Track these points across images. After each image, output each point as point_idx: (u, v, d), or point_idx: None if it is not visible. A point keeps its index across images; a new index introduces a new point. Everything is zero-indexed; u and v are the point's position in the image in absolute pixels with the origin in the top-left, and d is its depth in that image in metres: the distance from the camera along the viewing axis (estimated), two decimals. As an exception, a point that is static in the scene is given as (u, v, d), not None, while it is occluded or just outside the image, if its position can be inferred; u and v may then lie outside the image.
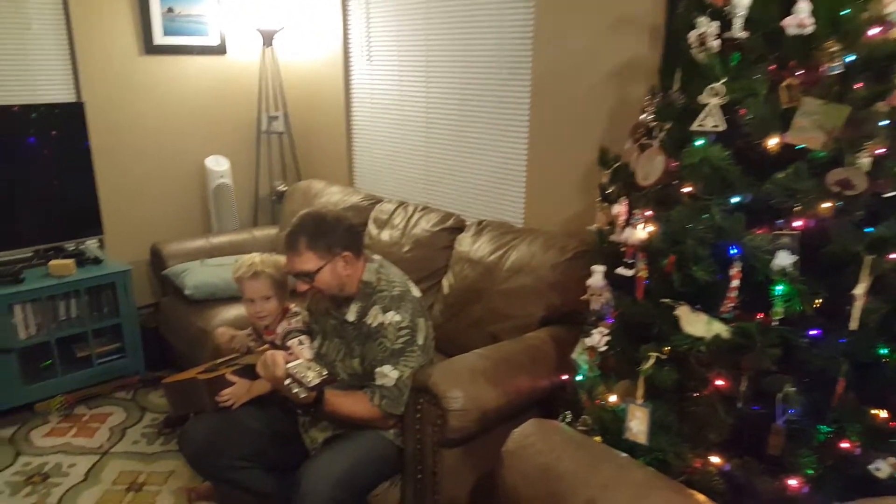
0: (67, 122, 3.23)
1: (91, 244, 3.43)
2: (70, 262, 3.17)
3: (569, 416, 1.85)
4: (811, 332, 1.50)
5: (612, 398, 1.76)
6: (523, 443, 1.68)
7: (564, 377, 2.00)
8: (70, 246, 3.39)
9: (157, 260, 3.43)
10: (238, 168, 3.90)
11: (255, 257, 2.22)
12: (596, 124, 2.43)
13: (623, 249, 1.78)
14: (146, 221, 3.70)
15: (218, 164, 3.77)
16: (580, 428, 1.78)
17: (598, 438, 1.73)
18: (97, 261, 3.32)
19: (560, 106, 2.56)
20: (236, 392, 2.06)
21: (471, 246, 2.66)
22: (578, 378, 1.89)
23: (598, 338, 1.82)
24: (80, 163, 3.30)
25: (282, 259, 2.25)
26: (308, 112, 3.95)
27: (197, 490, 2.49)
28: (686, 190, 1.67)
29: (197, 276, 3.15)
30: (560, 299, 2.32)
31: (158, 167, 3.71)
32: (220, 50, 3.77)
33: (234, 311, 2.92)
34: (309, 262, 1.91)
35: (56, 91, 3.34)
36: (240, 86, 3.88)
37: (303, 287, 1.95)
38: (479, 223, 2.74)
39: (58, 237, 3.33)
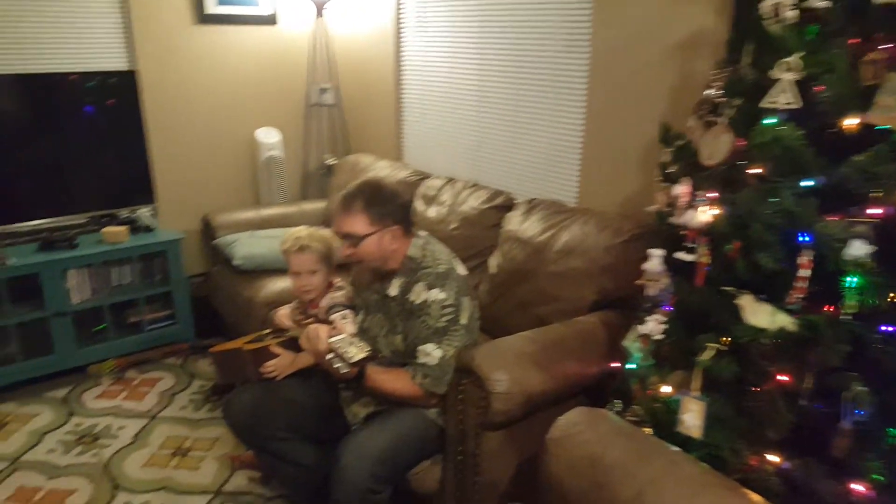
0: (123, 91, 3.28)
1: (144, 212, 3.49)
2: (123, 229, 3.24)
3: (618, 405, 1.80)
4: (885, 329, 1.40)
5: (666, 389, 1.69)
6: (569, 431, 1.64)
7: (615, 365, 1.94)
8: (123, 213, 3.47)
9: (208, 230, 3.49)
10: (288, 140, 3.91)
11: (302, 231, 2.22)
12: (657, 99, 2.33)
13: (683, 233, 1.70)
14: (198, 191, 3.75)
15: (268, 137, 3.79)
16: (630, 418, 1.72)
17: (648, 430, 1.67)
18: (149, 229, 3.38)
19: (619, 80, 2.47)
20: (280, 364, 2.07)
21: (520, 225, 2.60)
22: (630, 366, 1.83)
23: (654, 325, 1.76)
24: (134, 132, 3.35)
25: (328, 234, 2.24)
26: (358, 85, 3.92)
27: (241, 458, 2.53)
28: (754, 171, 1.58)
29: (246, 247, 3.18)
30: (613, 283, 2.24)
31: (210, 138, 3.75)
32: (271, 20, 3.76)
33: (281, 284, 2.94)
34: (359, 224, 1.90)
35: (110, 60, 3.39)
36: (291, 57, 3.87)
37: (346, 251, 1.94)
38: (530, 201, 2.67)
39: (112, 205, 3.41)
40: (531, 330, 2.16)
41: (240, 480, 2.47)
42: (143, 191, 3.44)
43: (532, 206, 2.64)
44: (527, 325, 2.28)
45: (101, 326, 3.28)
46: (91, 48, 3.33)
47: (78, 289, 3.16)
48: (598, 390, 2.00)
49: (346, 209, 1.93)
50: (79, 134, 3.23)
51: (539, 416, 1.93)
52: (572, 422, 1.67)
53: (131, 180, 3.41)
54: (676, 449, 1.54)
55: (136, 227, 3.37)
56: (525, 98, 2.91)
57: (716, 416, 1.57)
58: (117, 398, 3.03)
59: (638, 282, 1.85)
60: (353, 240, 1.92)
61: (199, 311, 3.48)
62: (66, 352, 3.11)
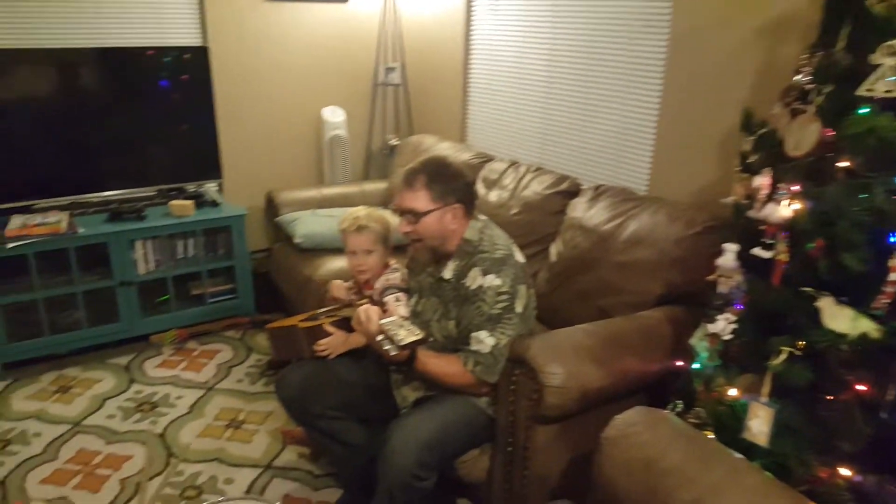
0: (195, 66, 3.35)
1: (210, 187, 3.58)
2: (189, 203, 3.32)
3: (679, 406, 1.73)
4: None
5: (732, 392, 1.61)
6: (626, 431, 1.58)
7: (679, 363, 1.86)
8: (191, 188, 3.56)
9: (272, 207, 3.54)
10: (353, 120, 3.93)
11: (361, 211, 2.22)
12: (739, 84, 2.21)
13: (762, 228, 1.61)
14: (262, 168, 3.81)
15: (334, 115, 3.81)
16: (691, 420, 1.65)
17: (709, 433, 1.59)
18: (215, 204, 3.46)
19: (700, 62, 2.35)
20: (333, 343, 2.08)
21: (585, 212, 2.52)
22: (695, 366, 1.75)
23: (723, 324, 1.67)
24: (205, 107, 3.42)
25: (387, 215, 2.23)
26: (425, 65, 3.89)
27: (292, 433, 2.57)
28: (843, 164, 1.47)
29: (307, 225, 3.21)
30: (682, 278, 2.16)
31: (276, 115, 3.79)
32: (342, -2, 3.77)
33: (340, 263, 2.95)
34: (421, 200, 1.88)
35: (185, 36, 3.46)
36: (359, 36, 3.87)
37: (405, 227, 1.92)
38: (597, 188, 2.59)
39: (180, 179, 3.50)
40: (591, 322, 2.10)
41: (290, 456, 2.51)
42: (210, 166, 3.52)
43: (599, 192, 2.56)
44: (586, 318, 2.23)
45: (165, 297, 3.38)
46: (167, 23, 3.40)
47: (144, 260, 3.26)
48: (659, 389, 1.93)
49: (408, 184, 1.91)
50: (153, 108, 3.32)
51: (594, 413, 1.88)
52: (630, 421, 1.62)
53: (199, 155, 3.49)
54: (740, 456, 1.47)
55: (202, 201, 3.45)
56: (597, 80, 2.82)
57: (785, 424, 1.49)
58: (177, 368, 3.12)
59: (709, 277, 1.77)
60: (414, 216, 1.89)
61: (259, 286, 3.55)
62: (130, 320, 3.22)
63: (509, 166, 2.99)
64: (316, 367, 2.08)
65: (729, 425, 1.57)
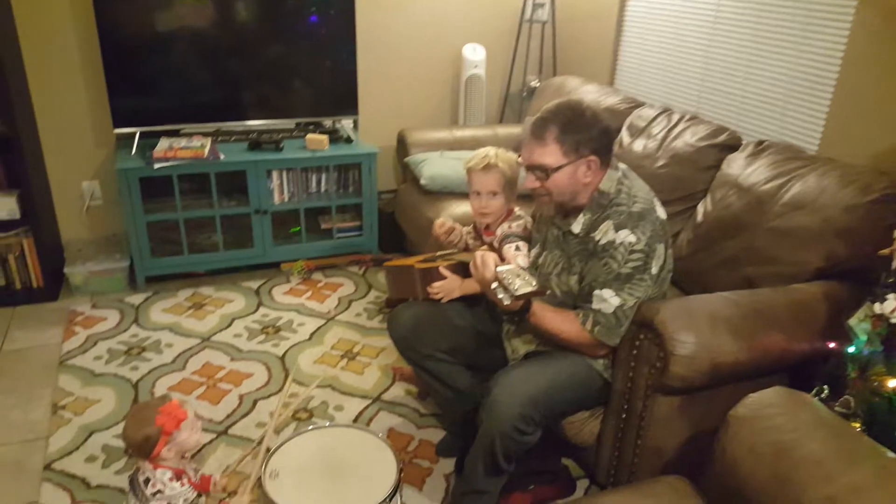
0: (341, 2, 3.38)
1: (346, 123, 3.67)
2: (324, 137, 3.41)
3: (826, 392, 1.56)
4: None
5: (893, 383, 1.42)
6: (760, 412, 1.45)
7: (831, 345, 1.68)
8: (327, 123, 3.66)
9: (402, 146, 3.56)
10: (493, 59, 3.84)
11: (490, 150, 2.15)
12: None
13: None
14: (397, 107, 3.84)
15: (474, 53, 3.74)
16: (837, 410, 1.49)
17: (856, 426, 1.42)
18: (349, 140, 3.54)
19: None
20: (447, 286, 2.07)
21: (743, 169, 2.31)
22: (850, 350, 1.57)
23: (894, 304, 1.47)
24: (347, 43, 3.47)
25: (517, 158, 2.15)
26: (576, 0, 3.71)
27: (402, 371, 2.63)
28: None
29: (434, 167, 3.21)
30: (847, 250, 1.94)
31: (415, 53, 3.79)
32: (492, -73, 3.66)
33: (463, 208, 2.93)
34: (551, 156, 1.76)
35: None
36: (510, -32, 3.75)
37: (533, 183, 1.82)
38: (759, 143, 2.37)
39: (318, 113, 3.61)
40: (734, 291, 1.95)
41: (398, 392, 2.57)
42: (347, 102, 3.58)
43: (761, 148, 2.34)
44: (729, 286, 2.08)
45: (296, 229, 3.54)
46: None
47: (279, 190, 3.42)
48: (802, 372, 1.76)
49: (537, 136, 1.78)
50: (300, 43, 3.42)
51: (724, 389, 1.74)
52: (766, 402, 1.47)
53: (338, 91, 3.56)
54: (893, 456, 1.29)
55: (336, 137, 3.54)
56: (770, 21, 2.56)
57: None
58: (302, 297, 3.27)
59: (882, 252, 1.58)
60: (543, 172, 1.78)
61: (384, 226, 3.62)
62: (263, 247, 3.40)
63: (661, 113, 2.80)
64: (428, 308, 2.08)
65: (883, 420, 1.40)
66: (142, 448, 1.66)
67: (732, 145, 2.47)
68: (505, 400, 1.71)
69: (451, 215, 2.92)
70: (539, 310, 1.77)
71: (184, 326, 2.97)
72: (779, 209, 2.12)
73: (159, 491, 1.66)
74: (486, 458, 1.80)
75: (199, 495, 1.74)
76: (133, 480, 1.71)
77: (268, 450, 2.19)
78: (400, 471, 1.94)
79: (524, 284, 1.63)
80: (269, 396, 2.51)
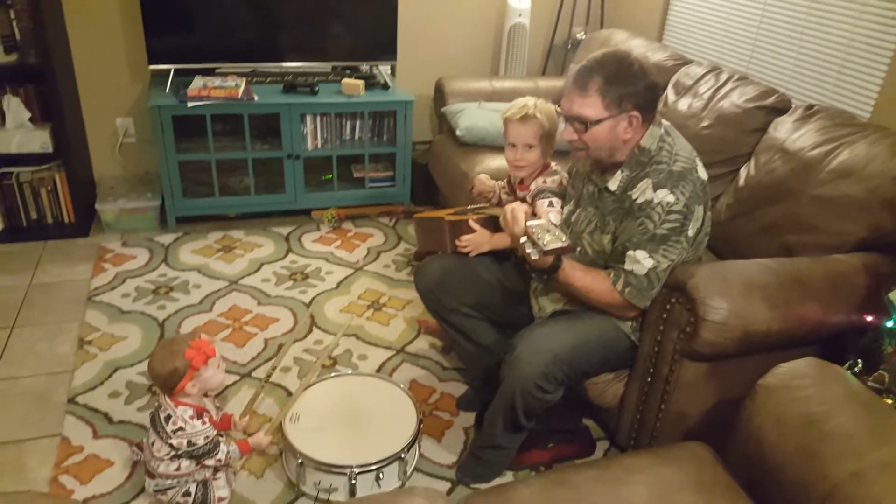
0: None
1: (383, 69, 3.62)
2: (361, 83, 3.38)
3: (859, 366, 1.53)
4: None
5: (931, 361, 1.39)
6: (790, 383, 1.43)
7: (869, 318, 1.64)
8: (364, 68, 3.63)
9: (439, 96, 3.52)
10: (538, 8, 3.75)
11: (530, 100, 2.10)
12: None
13: None
14: (437, 54, 3.78)
15: (519, 1, 3.65)
16: (871, 384, 1.47)
17: (889, 402, 1.40)
18: (385, 87, 3.51)
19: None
20: (476, 240, 2.07)
21: (790, 133, 2.25)
22: (888, 324, 1.54)
23: (936, 279, 1.43)
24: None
25: (556, 108, 2.11)
26: (629, -51, 3.60)
27: (427, 324, 2.66)
28: None
29: (471, 118, 3.17)
30: (893, 222, 1.89)
31: (459, -1, 3.72)
32: None
33: (498, 161, 2.90)
34: (592, 108, 1.71)
35: None
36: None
37: (570, 135, 1.78)
38: (808, 107, 2.30)
39: (356, 57, 3.57)
40: (772, 258, 1.91)
41: (422, 344, 2.60)
42: (386, 47, 3.53)
43: (810, 112, 2.27)
44: (766, 253, 2.06)
45: (328, 176, 3.54)
46: None
47: (312, 135, 3.41)
48: (836, 344, 1.72)
49: (580, 86, 1.73)
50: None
51: (753, 358, 1.73)
52: (797, 372, 1.45)
53: (377, 35, 3.50)
54: (927, 436, 1.27)
55: (373, 83, 3.51)
56: (831, -22, 2.44)
57: None
58: (331, 245, 3.29)
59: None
60: (582, 124, 1.74)
61: (418, 177, 3.60)
62: (294, 193, 3.41)
63: (709, 72, 2.71)
64: (456, 262, 2.07)
65: (919, 398, 1.37)
66: (167, 381, 1.70)
67: (781, 108, 2.40)
68: (528, 357, 1.71)
69: (486, 169, 2.90)
70: (569, 268, 1.75)
71: (212, 268, 3.01)
72: (825, 176, 2.06)
73: (181, 428, 1.70)
74: (506, 415, 1.82)
75: (220, 434, 1.79)
76: (154, 417, 1.76)
77: (288, 393, 2.25)
78: (420, 422, 1.98)
79: (554, 240, 1.61)
80: (294, 342, 2.55)
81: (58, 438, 2.05)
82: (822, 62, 2.51)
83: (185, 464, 1.75)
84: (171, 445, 1.71)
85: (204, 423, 1.74)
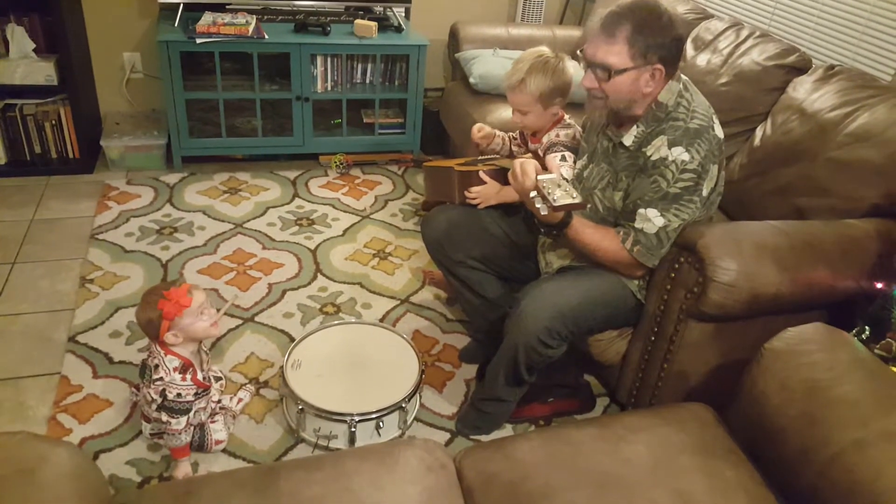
0: None
1: (397, 11, 3.52)
2: (373, 24, 3.30)
3: (867, 333, 1.51)
4: None
5: (942, 331, 1.37)
6: (796, 347, 1.41)
7: (879, 285, 1.62)
8: (378, 9, 3.53)
9: (454, 41, 3.43)
10: (559, -48, 3.63)
11: (526, 62, 1.98)
12: None
13: None
14: (453, -2, 3.68)
15: (538, -54, 3.54)
16: (878, 352, 1.45)
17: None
18: (399, 29, 3.42)
19: None
20: (485, 192, 2.03)
21: (809, 94, 2.18)
22: (899, 292, 1.51)
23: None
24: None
25: (570, 66, 2.03)
26: None
27: (433, 275, 2.64)
28: None
29: (485, 65, 3.09)
30: (910, 188, 1.85)
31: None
32: None
33: (510, 112, 2.81)
34: (617, 55, 1.65)
35: None
36: None
37: (591, 83, 1.71)
38: (829, 67, 2.23)
39: (369, -3, 3.46)
40: (783, 221, 1.87)
41: (427, 295, 2.58)
42: (401, -13, 3.43)
43: (831, 73, 2.20)
44: (778, 215, 2.02)
45: (338, 121, 3.48)
46: None
47: (322, 77, 3.34)
48: (843, 310, 1.70)
49: (608, 32, 1.66)
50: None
51: (759, 321, 1.71)
52: (804, 337, 1.44)
53: (393, -28, 3.40)
54: (933, 406, 1.26)
55: (386, 25, 3.42)
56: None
57: None
58: (338, 192, 3.26)
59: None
60: (605, 72, 1.67)
61: (429, 125, 3.54)
62: (302, 137, 3.36)
63: (730, 27, 2.63)
64: (464, 213, 2.05)
65: (926, 368, 1.35)
66: (147, 330, 1.68)
67: (801, 68, 2.33)
68: (532, 312, 1.69)
69: (497, 119, 2.85)
70: (578, 224, 1.72)
71: (217, 210, 2.99)
72: (842, 139, 2.01)
73: (160, 378, 1.67)
74: (508, 368, 1.82)
75: (199, 392, 1.73)
76: (144, 362, 1.74)
77: (291, 339, 2.25)
78: (421, 372, 1.98)
79: (564, 195, 1.57)
80: (298, 288, 2.54)
81: (57, 377, 2.05)
82: (846, 21, 2.42)
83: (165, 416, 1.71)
84: (150, 393, 1.69)
85: (185, 378, 1.69)
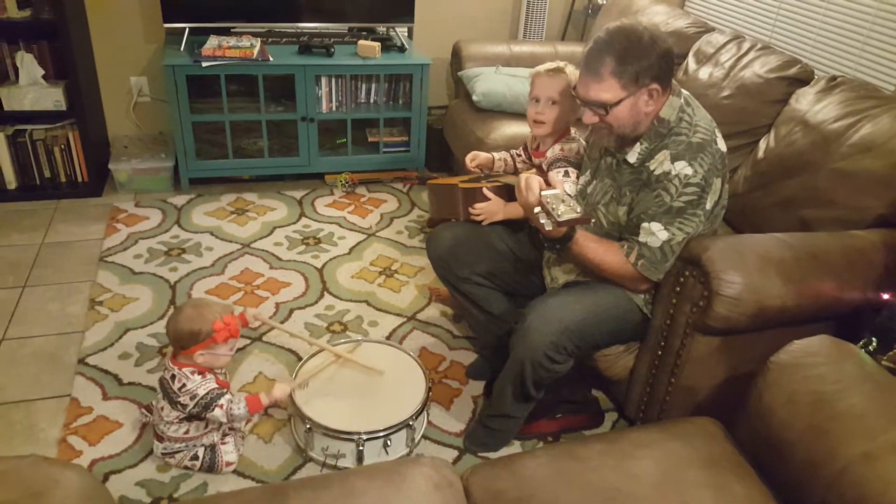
0: None
1: (400, 31, 3.56)
2: (377, 45, 3.33)
3: (874, 344, 1.51)
4: None
5: (949, 342, 1.37)
6: (803, 360, 1.41)
7: (885, 296, 1.62)
8: (381, 29, 3.57)
9: (456, 59, 3.46)
10: (559, -29, 3.66)
11: (560, 62, 2.05)
12: None
13: None
14: (455, 17, 3.71)
15: (539, -37, 3.57)
16: (885, 364, 1.44)
17: (905, 384, 1.38)
18: (402, 49, 3.45)
19: None
20: (489, 208, 2.04)
21: (812, 105, 2.20)
22: (906, 303, 1.50)
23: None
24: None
25: None
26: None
27: (439, 292, 2.65)
28: None
29: (488, 82, 3.12)
30: (915, 198, 1.85)
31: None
32: None
33: (513, 129, 2.87)
34: (609, 91, 1.66)
35: None
36: None
37: (591, 119, 1.73)
38: (832, 79, 2.24)
39: (372, 19, 3.51)
40: (788, 233, 1.88)
41: (433, 312, 2.59)
42: (403, 9, 3.47)
43: (834, 84, 2.21)
44: (783, 227, 2.03)
45: (343, 140, 3.51)
46: None
47: (327, 98, 3.38)
48: (850, 322, 1.70)
49: (591, 71, 1.66)
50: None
51: (766, 334, 1.70)
52: (810, 350, 1.43)
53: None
54: (941, 418, 1.25)
55: (389, 45, 3.45)
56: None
57: None
58: (344, 210, 3.28)
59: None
60: (602, 108, 1.68)
61: (433, 143, 3.57)
62: (308, 157, 3.39)
63: (731, 40, 2.65)
64: (468, 230, 2.06)
65: (934, 380, 1.34)
66: (182, 340, 1.69)
67: (803, 79, 2.34)
68: (538, 327, 1.70)
69: (501, 135, 2.87)
70: (582, 239, 1.73)
71: (225, 231, 3.01)
72: (845, 150, 2.02)
73: (184, 385, 1.71)
74: (515, 384, 1.82)
75: (222, 390, 1.76)
76: (162, 380, 1.76)
77: (298, 357, 2.26)
78: (429, 389, 1.98)
79: (568, 210, 1.58)
80: (305, 307, 2.55)
81: (67, 399, 2.07)
82: (847, 33, 2.45)
83: (194, 427, 1.76)
84: (180, 405, 1.72)
85: (204, 377, 1.73)
